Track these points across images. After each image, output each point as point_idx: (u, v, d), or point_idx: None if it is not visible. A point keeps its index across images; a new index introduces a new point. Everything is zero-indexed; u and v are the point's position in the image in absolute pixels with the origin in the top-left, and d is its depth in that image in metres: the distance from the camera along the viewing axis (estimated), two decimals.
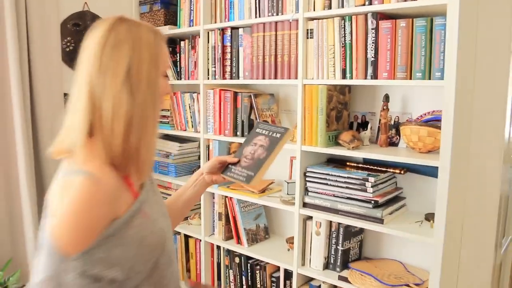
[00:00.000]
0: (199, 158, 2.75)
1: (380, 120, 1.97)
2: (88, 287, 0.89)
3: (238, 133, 2.27)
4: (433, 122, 1.84)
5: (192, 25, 2.43)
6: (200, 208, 2.72)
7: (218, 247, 2.47)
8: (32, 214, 2.37)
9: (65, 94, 2.47)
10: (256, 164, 1.29)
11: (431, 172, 1.88)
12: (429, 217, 1.83)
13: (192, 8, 2.44)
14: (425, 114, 1.90)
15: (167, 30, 2.53)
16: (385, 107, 1.93)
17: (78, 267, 0.87)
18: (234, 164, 1.35)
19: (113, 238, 0.91)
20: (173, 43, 2.63)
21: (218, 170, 1.35)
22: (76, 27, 2.60)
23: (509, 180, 2.42)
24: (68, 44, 2.57)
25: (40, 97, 2.40)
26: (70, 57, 2.56)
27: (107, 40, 0.94)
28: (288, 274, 2.15)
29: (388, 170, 1.92)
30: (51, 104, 2.44)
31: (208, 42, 2.36)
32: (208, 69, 2.38)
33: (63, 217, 0.87)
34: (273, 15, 2.08)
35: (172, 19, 2.63)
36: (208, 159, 2.40)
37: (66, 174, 0.94)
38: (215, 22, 2.32)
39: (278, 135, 1.32)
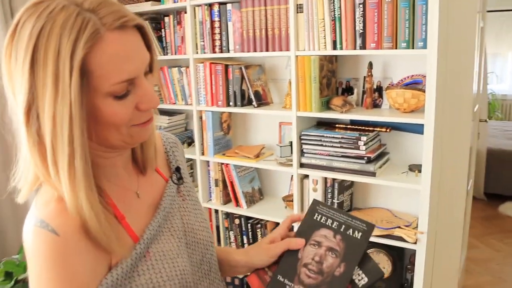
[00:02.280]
0: (185, 130, 2.88)
1: (364, 85, 2.20)
2: None
3: (231, 103, 2.42)
4: (413, 85, 2.09)
5: (177, 1, 2.50)
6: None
7: (217, 211, 2.65)
8: None
9: None
10: (332, 285, 0.88)
11: (412, 128, 2.15)
12: (413, 167, 2.12)
13: None
14: (405, 78, 2.15)
15: (150, 7, 2.57)
16: (369, 74, 2.15)
17: None
18: (289, 268, 0.93)
19: None
20: (154, 20, 2.68)
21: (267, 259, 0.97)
22: None
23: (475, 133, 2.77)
24: None
25: None
26: None
27: (11, 48, 0.65)
28: None
29: (375, 129, 2.17)
30: None
31: (195, 18, 2.45)
32: (197, 44, 2.48)
33: None
34: None
35: None
36: (202, 130, 2.53)
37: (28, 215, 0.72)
38: None
39: (358, 235, 0.92)
